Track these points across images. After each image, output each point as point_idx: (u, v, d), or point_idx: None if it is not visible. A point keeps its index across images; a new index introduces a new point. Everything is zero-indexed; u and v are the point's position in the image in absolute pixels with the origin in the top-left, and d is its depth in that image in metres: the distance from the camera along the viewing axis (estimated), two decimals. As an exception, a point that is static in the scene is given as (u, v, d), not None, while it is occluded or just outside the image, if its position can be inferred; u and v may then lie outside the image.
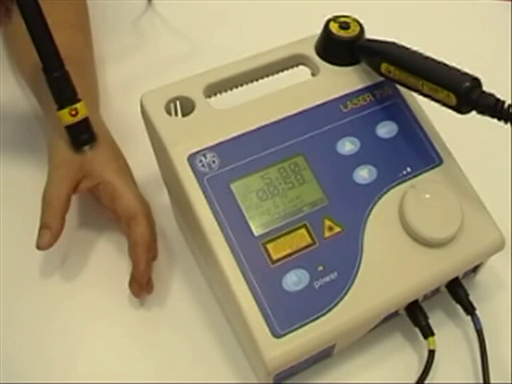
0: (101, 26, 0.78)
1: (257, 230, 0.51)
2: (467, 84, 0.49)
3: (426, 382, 0.54)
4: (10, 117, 0.72)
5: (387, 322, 0.56)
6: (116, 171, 0.61)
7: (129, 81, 0.76)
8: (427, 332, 0.55)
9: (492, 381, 0.54)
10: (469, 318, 0.56)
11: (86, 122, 0.59)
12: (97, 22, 0.77)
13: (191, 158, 0.52)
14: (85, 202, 0.65)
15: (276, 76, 0.58)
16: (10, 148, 0.70)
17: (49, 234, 0.57)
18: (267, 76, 0.58)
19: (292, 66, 0.59)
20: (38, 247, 0.58)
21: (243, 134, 0.53)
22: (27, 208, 0.62)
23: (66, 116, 0.58)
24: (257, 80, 0.58)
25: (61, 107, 0.58)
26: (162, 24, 0.83)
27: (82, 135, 0.60)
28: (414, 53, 0.54)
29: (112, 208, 0.60)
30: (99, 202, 0.63)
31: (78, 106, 0.58)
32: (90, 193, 0.63)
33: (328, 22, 0.58)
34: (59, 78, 0.57)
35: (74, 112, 0.58)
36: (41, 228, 0.58)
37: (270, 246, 0.50)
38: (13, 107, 0.73)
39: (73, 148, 0.60)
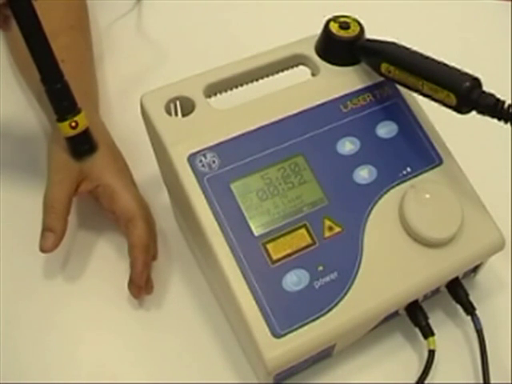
0: (94, 25, 0.78)
1: (257, 230, 0.51)
2: (467, 84, 0.49)
3: (425, 382, 0.54)
4: (13, 131, 0.72)
5: (387, 321, 0.56)
6: (115, 173, 0.61)
7: (128, 81, 0.76)
8: (427, 332, 0.55)
9: (492, 381, 0.54)
10: (469, 318, 0.56)
11: (86, 133, 0.59)
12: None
13: (191, 158, 0.52)
14: (85, 203, 0.65)
15: (276, 76, 0.58)
16: (12, 152, 0.70)
17: (52, 236, 0.57)
18: (267, 76, 0.58)
19: (292, 66, 0.59)
20: (42, 250, 0.58)
21: (243, 134, 0.53)
22: (27, 211, 0.62)
23: (66, 128, 0.58)
24: (257, 80, 0.58)
25: (60, 119, 0.58)
26: (161, 24, 0.83)
27: (82, 146, 0.60)
28: (414, 53, 0.54)
29: (111, 210, 0.60)
30: (99, 204, 0.63)
31: (78, 118, 0.58)
32: (89, 194, 0.63)
33: (328, 21, 0.58)
34: (58, 90, 0.57)
35: (74, 124, 0.58)
36: (44, 231, 0.58)
37: (270, 246, 0.50)
38: (16, 123, 0.73)
39: (73, 157, 0.60)
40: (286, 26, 0.74)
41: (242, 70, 0.56)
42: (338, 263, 0.51)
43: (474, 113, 0.50)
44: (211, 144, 0.52)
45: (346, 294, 0.50)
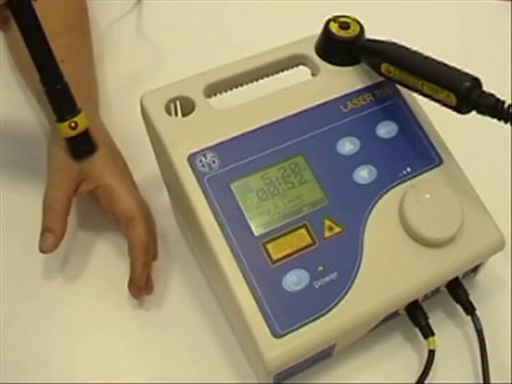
0: (94, 25, 0.78)
1: (257, 230, 0.51)
2: (467, 84, 0.49)
3: (425, 382, 0.54)
4: (13, 131, 0.72)
5: (387, 321, 0.56)
6: (115, 174, 0.61)
7: (128, 81, 0.76)
8: (427, 332, 0.55)
9: (492, 381, 0.54)
10: (469, 318, 0.56)
11: (85, 133, 0.59)
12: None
13: (191, 158, 0.52)
14: (85, 203, 0.65)
15: (276, 76, 0.58)
16: (11, 152, 0.70)
17: (52, 237, 0.57)
18: (267, 76, 0.58)
19: (292, 66, 0.59)
20: (42, 250, 0.58)
21: (243, 134, 0.53)
22: (27, 211, 0.62)
23: (66, 129, 0.58)
24: (257, 80, 0.58)
25: (60, 119, 0.58)
26: (161, 24, 0.83)
27: (82, 147, 0.60)
28: (414, 53, 0.54)
29: (111, 210, 0.60)
30: (99, 204, 0.63)
31: (77, 118, 0.58)
32: (89, 195, 0.63)
33: (328, 21, 0.58)
34: (58, 91, 0.57)
35: (73, 125, 0.58)
36: (43, 231, 0.58)
37: (270, 246, 0.50)
38: (16, 123, 0.73)
39: (72, 158, 0.60)
40: (285, 26, 0.74)
41: (242, 70, 0.56)
42: (337, 263, 0.51)
43: (474, 113, 0.50)
44: (211, 144, 0.52)
45: (346, 294, 0.50)
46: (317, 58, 0.58)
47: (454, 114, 0.51)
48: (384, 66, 0.55)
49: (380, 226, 0.52)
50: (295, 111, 0.55)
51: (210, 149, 0.52)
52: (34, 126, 0.72)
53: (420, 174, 0.55)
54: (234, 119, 0.54)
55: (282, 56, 0.58)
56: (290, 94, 0.56)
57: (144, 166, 0.64)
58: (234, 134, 0.53)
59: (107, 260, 0.62)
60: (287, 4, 0.84)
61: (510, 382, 0.56)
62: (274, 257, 0.50)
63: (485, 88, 0.50)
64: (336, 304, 0.50)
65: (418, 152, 0.56)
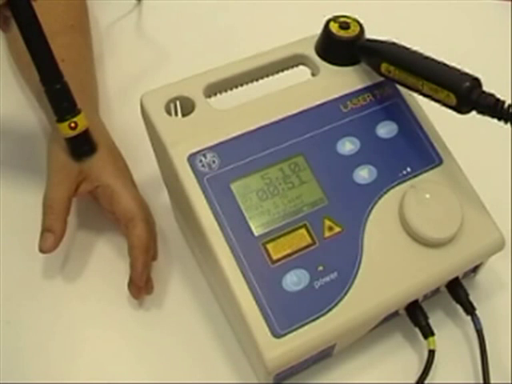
0: (94, 25, 0.78)
1: (257, 230, 0.51)
2: (467, 84, 0.49)
3: (425, 382, 0.54)
4: (13, 131, 0.72)
5: (387, 321, 0.56)
6: (115, 174, 0.61)
7: (128, 81, 0.76)
8: (427, 332, 0.55)
9: (492, 381, 0.54)
10: (469, 318, 0.56)
11: (85, 133, 0.59)
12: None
13: (191, 158, 0.52)
14: (85, 203, 0.65)
15: (276, 76, 0.58)
16: (11, 152, 0.70)
17: (52, 237, 0.57)
18: (267, 76, 0.58)
19: (292, 66, 0.59)
20: (42, 250, 0.58)
21: (243, 134, 0.53)
22: (27, 211, 0.62)
23: (66, 129, 0.58)
24: (257, 80, 0.58)
25: (60, 119, 0.58)
26: (161, 24, 0.83)
27: (82, 147, 0.60)
28: (414, 53, 0.54)
29: (111, 210, 0.60)
30: (99, 204, 0.63)
31: (77, 118, 0.58)
32: (89, 195, 0.63)
33: (328, 21, 0.58)
34: (58, 91, 0.57)
35: (73, 125, 0.58)
36: (43, 231, 0.58)
37: (270, 246, 0.50)
38: (16, 123, 0.73)
39: (72, 158, 0.60)
40: (286, 26, 0.74)
41: (242, 69, 0.56)
42: (337, 263, 0.51)
43: (474, 113, 0.50)
44: (211, 144, 0.52)
45: (346, 294, 0.50)
46: (317, 58, 0.58)
47: (454, 113, 0.51)
48: (384, 66, 0.55)
49: (380, 226, 0.52)
50: (295, 111, 0.55)
51: (210, 149, 0.52)
52: (33, 125, 0.72)
53: (420, 173, 0.55)
54: (234, 119, 0.54)
55: (282, 56, 0.58)
56: (290, 94, 0.56)
57: (144, 166, 0.64)
58: (234, 134, 0.53)
59: (107, 260, 0.62)
60: (287, 4, 0.84)
61: (509, 382, 0.56)
62: (274, 257, 0.50)
63: (485, 88, 0.50)
64: (336, 304, 0.50)
65: (418, 152, 0.56)
